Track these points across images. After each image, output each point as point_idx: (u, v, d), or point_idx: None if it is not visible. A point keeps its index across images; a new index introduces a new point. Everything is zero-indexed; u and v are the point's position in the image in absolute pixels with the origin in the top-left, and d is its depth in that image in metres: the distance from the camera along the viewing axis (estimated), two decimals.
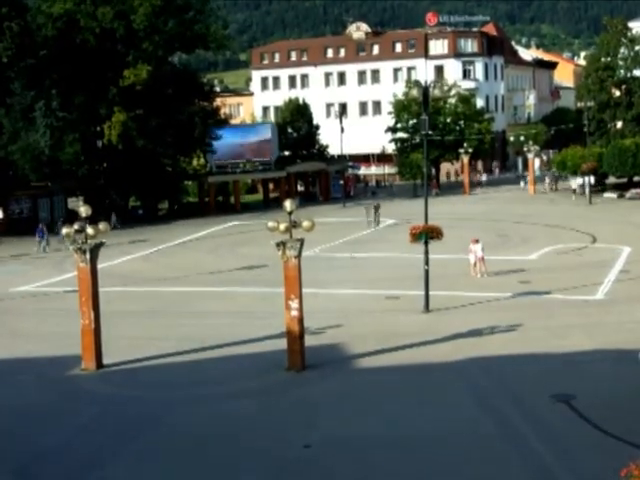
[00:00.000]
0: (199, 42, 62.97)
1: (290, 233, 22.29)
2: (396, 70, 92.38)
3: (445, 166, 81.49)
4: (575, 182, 65.21)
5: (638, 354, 19.17)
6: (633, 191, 63.20)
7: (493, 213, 56.88)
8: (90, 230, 23.26)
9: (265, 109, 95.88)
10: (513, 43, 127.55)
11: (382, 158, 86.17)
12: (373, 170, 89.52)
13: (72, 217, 44.02)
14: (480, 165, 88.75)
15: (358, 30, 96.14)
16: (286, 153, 73.80)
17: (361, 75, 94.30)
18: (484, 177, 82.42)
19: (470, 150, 72.46)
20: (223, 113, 67.45)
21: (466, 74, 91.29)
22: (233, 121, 75.76)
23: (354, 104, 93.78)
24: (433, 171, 75.52)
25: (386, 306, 30.10)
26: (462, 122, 75.42)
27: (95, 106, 57.48)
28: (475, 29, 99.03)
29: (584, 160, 62.55)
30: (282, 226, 22.42)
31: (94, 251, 23.36)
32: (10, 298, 34.75)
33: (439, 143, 71.53)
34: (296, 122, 75.09)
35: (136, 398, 21.03)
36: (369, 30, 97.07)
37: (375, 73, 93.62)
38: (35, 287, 36.94)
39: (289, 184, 69.73)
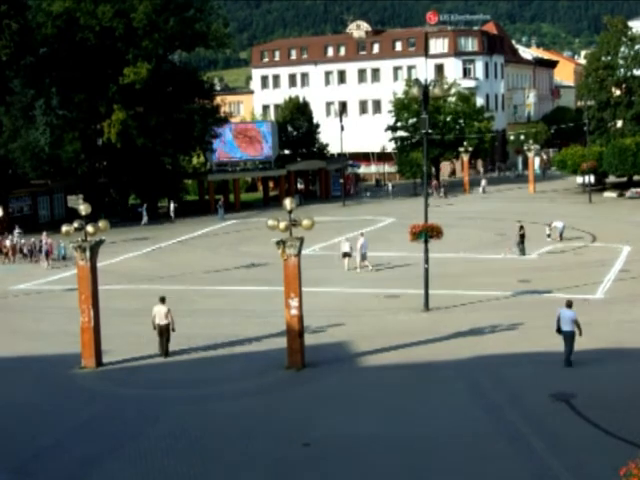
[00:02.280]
0: (199, 40, 62.89)
1: (290, 231, 22.29)
2: (396, 69, 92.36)
3: (445, 165, 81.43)
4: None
5: None
6: (633, 190, 63.20)
7: (493, 212, 56.89)
8: (90, 228, 23.24)
9: (265, 107, 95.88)
10: (513, 42, 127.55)
11: (382, 157, 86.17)
12: (373, 169, 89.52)
13: (72, 215, 44.07)
14: (480, 164, 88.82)
15: (358, 29, 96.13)
16: (286, 151, 73.79)
17: (361, 73, 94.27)
18: (483, 182, 72.39)
19: (470, 149, 72.46)
20: (223, 111, 67.37)
21: (466, 73, 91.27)
22: (233, 119, 75.64)
23: (354, 103, 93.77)
24: (433, 170, 75.52)
25: (386, 305, 30.10)
26: (462, 121, 75.43)
27: (95, 104, 57.49)
28: (475, 28, 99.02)
29: (584, 159, 62.55)
30: (282, 224, 22.41)
31: (94, 249, 23.35)
32: (10, 296, 34.75)
33: (439, 142, 71.53)
34: (296, 120, 75.06)
35: (135, 397, 21.02)
36: (369, 29, 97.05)
37: (375, 72, 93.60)
38: (35, 285, 36.93)
39: (289, 182, 69.73)
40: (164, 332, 23.87)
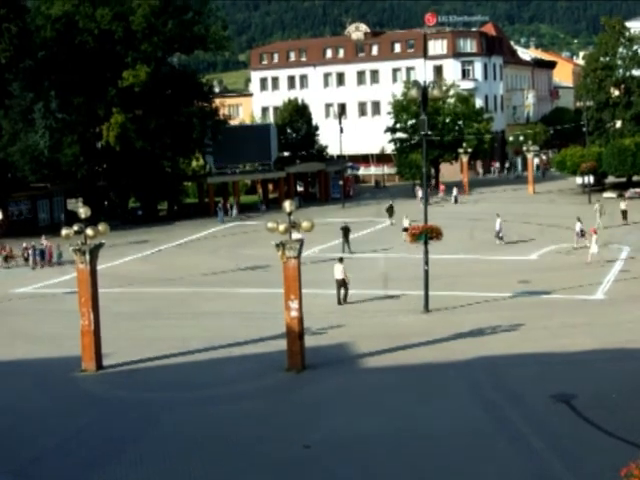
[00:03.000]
0: (198, 43, 62.92)
1: (290, 234, 22.29)
2: (395, 70, 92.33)
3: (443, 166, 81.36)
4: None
5: None
6: (632, 190, 63.17)
7: (493, 213, 56.78)
8: (89, 231, 23.24)
9: (264, 110, 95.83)
10: (512, 43, 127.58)
11: (381, 158, 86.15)
12: (372, 170, 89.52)
13: (72, 218, 44.05)
14: (479, 166, 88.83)
15: (357, 30, 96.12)
16: (285, 154, 73.76)
17: (360, 75, 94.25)
18: (455, 191, 65.54)
19: (469, 150, 72.45)
20: (222, 114, 67.38)
21: (465, 74, 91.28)
22: (232, 122, 75.67)
23: (353, 104, 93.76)
24: (433, 171, 75.52)
25: (386, 306, 30.11)
26: (461, 122, 75.39)
27: (94, 107, 57.51)
28: (474, 29, 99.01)
29: (583, 160, 62.53)
30: (281, 227, 22.41)
31: (93, 252, 23.35)
32: (10, 299, 34.76)
33: (438, 143, 71.51)
34: (295, 122, 75.01)
35: (135, 399, 21.02)
36: (368, 30, 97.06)
37: (374, 73, 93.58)
38: (35, 288, 36.94)
39: (288, 185, 69.71)
40: (341, 285, 30.29)
